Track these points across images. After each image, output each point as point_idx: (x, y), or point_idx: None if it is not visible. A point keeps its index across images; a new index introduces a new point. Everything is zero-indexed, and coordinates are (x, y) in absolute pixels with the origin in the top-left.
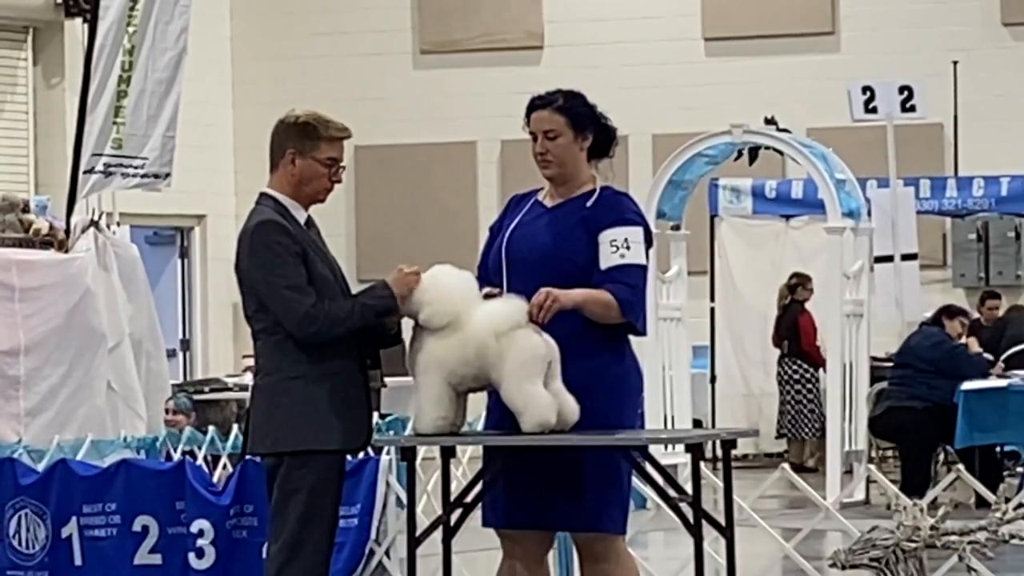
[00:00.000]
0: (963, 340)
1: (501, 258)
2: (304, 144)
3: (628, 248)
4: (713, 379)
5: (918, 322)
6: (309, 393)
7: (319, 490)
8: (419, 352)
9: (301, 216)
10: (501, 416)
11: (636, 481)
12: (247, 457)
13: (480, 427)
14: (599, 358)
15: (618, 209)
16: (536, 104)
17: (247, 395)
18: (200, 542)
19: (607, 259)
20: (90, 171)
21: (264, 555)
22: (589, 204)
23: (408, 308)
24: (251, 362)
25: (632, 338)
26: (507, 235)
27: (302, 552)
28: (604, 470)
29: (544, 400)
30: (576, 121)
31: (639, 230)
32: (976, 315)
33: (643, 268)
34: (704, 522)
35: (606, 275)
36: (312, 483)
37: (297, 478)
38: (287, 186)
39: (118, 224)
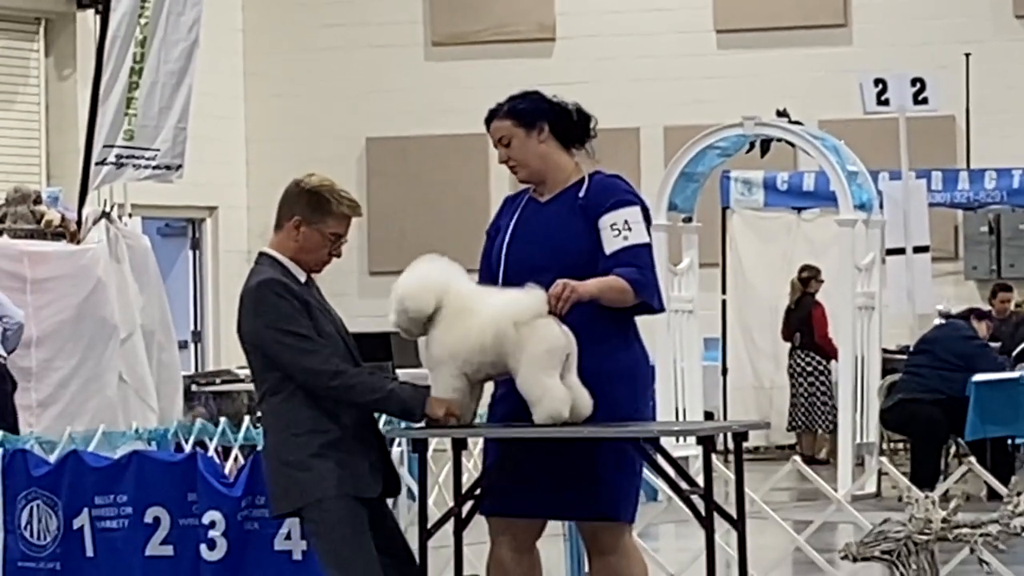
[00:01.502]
0: None
1: (502, 258)
2: (312, 215)
3: (629, 229)
4: (725, 371)
5: (930, 314)
6: (316, 447)
7: (342, 533)
8: (430, 345)
9: (301, 276)
10: (509, 410)
11: (647, 473)
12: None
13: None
14: (608, 344)
15: (612, 192)
16: (489, 117)
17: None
18: (212, 533)
19: (610, 243)
20: (102, 162)
21: (274, 547)
22: (582, 194)
23: (398, 321)
24: None
25: (642, 330)
26: (507, 235)
27: None
28: (617, 459)
29: (559, 393)
30: (522, 119)
31: (636, 210)
32: (988, 308)
33: (648, 247)
34: (715, 514)
35: (613, 259)
36: (334, 527)
37: (320, 527)
38: (288, 249)
39: (130, 215)
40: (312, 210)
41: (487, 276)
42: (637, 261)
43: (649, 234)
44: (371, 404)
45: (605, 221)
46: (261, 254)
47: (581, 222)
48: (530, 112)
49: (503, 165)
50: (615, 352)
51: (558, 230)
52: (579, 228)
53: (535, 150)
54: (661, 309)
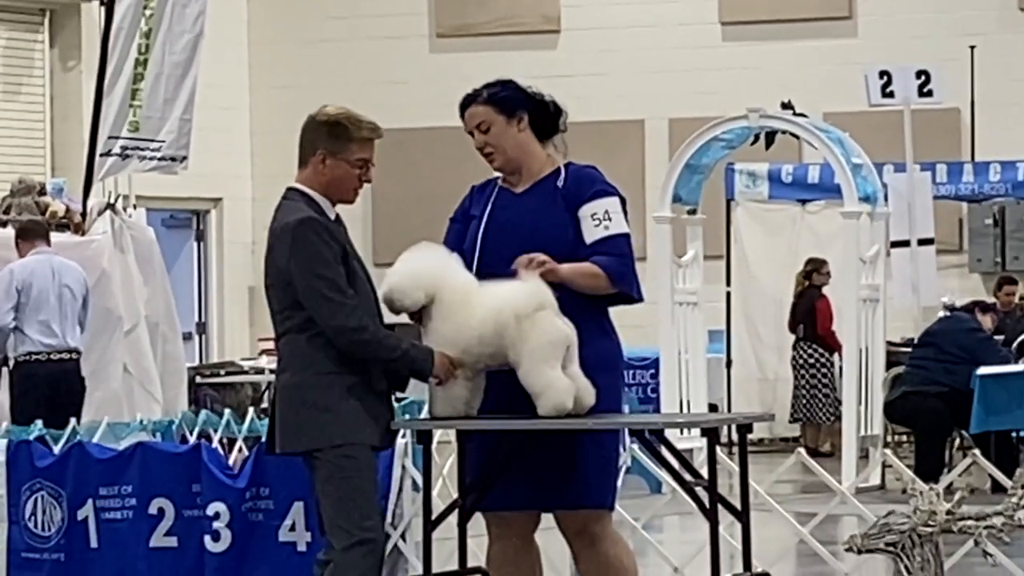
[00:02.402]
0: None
1: (477, 249)
2: (335, 145)
3: (610, 219)
4: (729, 363)
5: (934, 307)
6: (340, 389)
7: (357, 482)
8: (429, 336)
9: (331, 213)
10: (491, 404)
11: (652, 465)
12: (290, 451)
13: None
14: (587, 333)
15: (591, 183)
16: (465, 103)
17: (263, 378)
18: (216, 525)
19: (591, 233)
20: (107, 154)
21: (279, 538)
22: (561, 183)
23: (388, 307)
24: (267, 345)
25: (647, 321)
26: (483, 225)
27: (365, 541)
28: (599, 447)
29: (562, 384)
30: (502, 106)
31: (616, 200)
32: (992, 300)
33: (627, 236)
34: (720, 506)
35: (593, 249)
36: (351, 474)
37: (336, 473)
38: (317, 184)
39: (134, 207)
40: (335, 140)
41: None
42: (616, 250)
43: (628, 225)
44: (386, 363)
45: (586, 211)
46: (291, 189)
47: (561, 212)
48: (511, 100)
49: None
50: (593, 341)
51: (537, 220)
52: (559, 218)
53: (513, 139)
54: (640, 299)
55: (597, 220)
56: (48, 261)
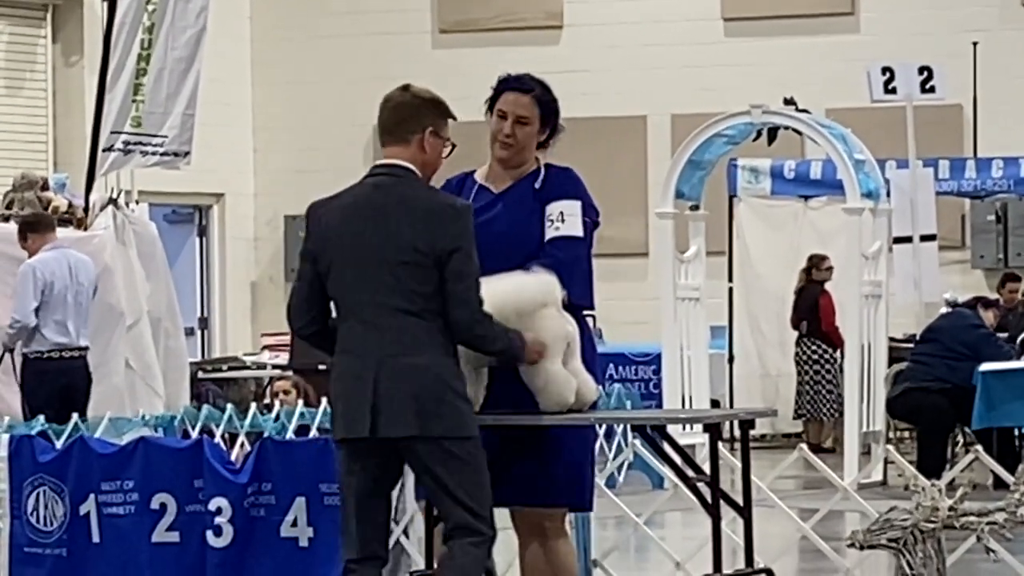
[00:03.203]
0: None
1: None
2: (439, 123)
3: (563, 221)
4: (731, 359)
5: (936, 303)
6: (463, 380)
7: (485, 473)
8: None
9: None
10: (496, 399)
11: (654, 461)
12: (417, 435)
13: None
14: None
15: (562, 183)
16: (513, 86)
17: (265, 373)
18: (218, 520)
19: (546, 233)
20: (109, 149)
21: (280, 534)
22: (538, 185)
23: None
24: (269, 340)
25: (650, 317)
26: None
27: (489, 536)
28: (582, 446)
29: (562, 379)
30: (546, 114)
31: (576, 203)
32: (995, 296)
33: (575, 239)
34: (722, 502)
35: (544, 250)
36: (483, 463)
37: (473, 461)
38: (420, 163)
39: (136, 202)
40: (439, 118)
41: None
42: (558, 253)
43: (587, 230)
44: (495, 352)
45: (547, 211)
46: (405, 168)
47: (536, 212)
48: (552, 113)
49: (496, 135)
50: None
51: (514, 219)
52: (534, 217)
53: (533, 144)
54: (582, 305)
55: (551, 220)
56: (65, 257)
